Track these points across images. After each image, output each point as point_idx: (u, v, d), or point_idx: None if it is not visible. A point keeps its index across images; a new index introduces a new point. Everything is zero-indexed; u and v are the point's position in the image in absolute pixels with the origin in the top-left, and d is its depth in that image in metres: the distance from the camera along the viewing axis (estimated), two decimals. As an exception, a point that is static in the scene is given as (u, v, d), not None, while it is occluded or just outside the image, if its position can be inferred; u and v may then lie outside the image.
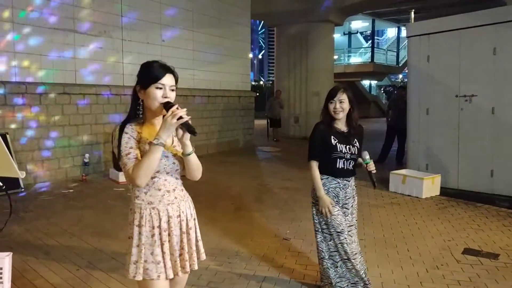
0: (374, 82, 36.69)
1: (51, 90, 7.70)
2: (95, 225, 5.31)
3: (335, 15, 15.91)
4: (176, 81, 2.13)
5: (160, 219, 2.10)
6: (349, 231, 3.23)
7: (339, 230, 3.19)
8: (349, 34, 32.57)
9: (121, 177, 7.51)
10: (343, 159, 3.20)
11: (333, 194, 3.23)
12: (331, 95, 3.20)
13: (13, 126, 7.18)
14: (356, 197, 3.40)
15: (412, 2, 17.85)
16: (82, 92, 8.19)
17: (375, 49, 30.49)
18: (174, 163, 2.14)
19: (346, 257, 3.20)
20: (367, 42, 33.50)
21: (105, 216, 5.74)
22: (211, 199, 6.65)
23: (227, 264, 4.14)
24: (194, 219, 2.28)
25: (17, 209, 5.82)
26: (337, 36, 18.39)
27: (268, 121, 15.31)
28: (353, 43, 32.90)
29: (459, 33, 6.86)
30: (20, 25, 7.28)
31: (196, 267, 2.23)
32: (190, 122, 1.95)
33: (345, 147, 3.20)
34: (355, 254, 3.21)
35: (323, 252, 3.28)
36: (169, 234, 2.12)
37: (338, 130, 3.24)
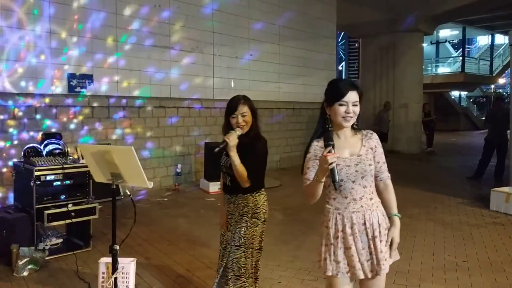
0: (464, 93, 34.63)
1: (148, 104, 8.20)
2: (190, 234, 5.52)
3: (424, 24, 15.30)
4: (361, 97, 2.27)
5: (344, 225, 2.27)
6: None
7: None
8: (437, 43, 31.09)
9: (212, 187, 7.76)
10: (222, 172, 2.99)
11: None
12: (232, 108, 2.86)
13: (114, 137, 7.73)
14: (243, 219, 2.89)
15: (510, 7, 16.65)
16: (176, 105, 8.62)
17: (465, 58, 28.80)
18: (357, 171, 2.25)
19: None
20: (456, 51, 31.78)
21: (198, 225, 5.94)
22: (301, 213, 6.62)
23: (322, 280, 4.08)
24: (385, 229, 2.32)
25: (118, 216, 6.18)
26: (424, 46, 17.57)
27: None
28: (441, 53, 31.36)
29: None
30: (122, 44, 7.85)
31: (384, 272, 2.28)
32: (336, 170, 2.09)
33: (225, 160, 2.92)
34: None
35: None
36: (353, 239, 2.25)
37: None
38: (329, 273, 2.29)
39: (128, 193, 2.46)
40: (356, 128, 2.37)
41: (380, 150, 2.38)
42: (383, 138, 13.95)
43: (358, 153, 2.28)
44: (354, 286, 2.38)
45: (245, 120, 2.84)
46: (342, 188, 2.25)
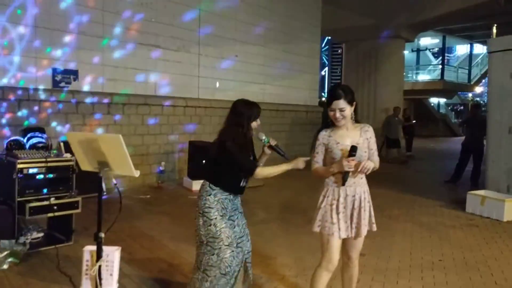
0: (443, 100, 35.31)
1: (133, 101, 8.17)
2: (172, 230, 5.53)
3: (406, 31, 15.62)
4: (349, 102, 2.85)
5: (339, 195, 2.91)
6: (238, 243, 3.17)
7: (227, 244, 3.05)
8: (418, 50, 31.68)
9: (194, 186, 7.77)
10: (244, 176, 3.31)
11: (222, 206, 3.11)
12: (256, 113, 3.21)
13: (98, 133, 7.69)
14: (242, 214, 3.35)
15: (490, 17, 17.09)
16: (160, 103, 8.62)
17: (445, 66, 29.40)
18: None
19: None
20: (436, 59, 32.42)
21: (180, 222, 5.96)
22: (282, 211, 6.70)
23: (302, 276, 4.16)
24: (368, 202, 3.01)
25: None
26: (405, 53, 17.93)
27: (385, 141, 13.66)
28: (422, 60, 31.95)
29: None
30: (108, 41, 7.82)
31: (363, 234, 2.96)
32: (349, 175, 2.84)
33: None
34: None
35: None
36: (344, 207, 2.91)
37: None
38: (325, 231, 2.91)
39: (114, 181, 2.47)
40: (356, 121, 3.00)
41: (373, 140, 3.01)
42: (391, 144, 13.42)
43: (357, 142, 2.89)
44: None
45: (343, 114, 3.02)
46: (346, 184, 2.86)
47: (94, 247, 2.56)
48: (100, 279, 2.43)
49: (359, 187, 2.95)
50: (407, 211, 7.06)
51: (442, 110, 35.13)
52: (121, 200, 2.52)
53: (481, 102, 28.15)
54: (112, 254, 2.60)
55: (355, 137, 2.93)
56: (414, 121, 16.83)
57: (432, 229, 5.99)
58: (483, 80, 30.78)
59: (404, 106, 16.56)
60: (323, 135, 2.99)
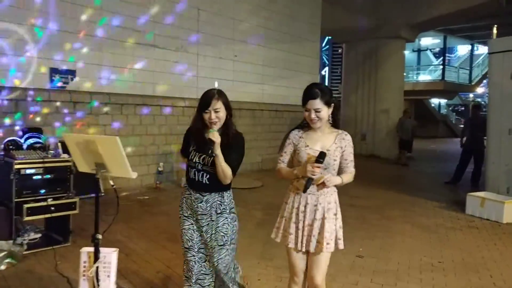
0: (443, 101, 35.31)
1: (131, 101, 8.15)
2: (170, 231, 5.50)
3: (406, 31, 15.59)
4: (326, 103, 2.62)
5: (299, 203, 2.69)
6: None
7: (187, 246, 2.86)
8: (419, 51, 31.67)
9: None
10: (194, 169, 2.76)
11: (186, 205, 2.87)
12: (206, 104, 2.71)
13: (95, 132, 7.66)
14: (223, 216, 2.80)
15: (490, 18, 17.06)
16: (159, 103, 8.60)
17: (446, 66, 29.39)
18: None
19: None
20: (437, 59, 32.42)
21: (178, 223, 5.92)
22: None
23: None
24: (334, 214, 2.70)
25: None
26: (406, 53, 17.90)
27: (399, 142, 13.79)
28: (423, 61, 31.94)
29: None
30: (107, 40, 7.80)
31: (323, 251, 2.64)
32: (311, 182, 2.58)
33: (199, 157, 2.76)
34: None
35: None
36: (304, 216, 2.67)
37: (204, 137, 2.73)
38: (278, 240, 2.78)
39: (112, 183, 2.46)
40: (333, 127, 2.76)
41: (349, 150, 2.74)
42: (404, 146, 13.53)
43: (327, 148, 2.66)
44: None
45: (218, 116, 2.70)
46: (308, 191, 2.63)
47: (91, 249, 2.55)
48: (97, 280, 2.42)
49: (323, 196, 2.67)
50: (407, 212, 7.04)
51: (442, 111, 35.13)
52: (118, 202, 2.50)
53: (482, 102, 28.15)
54: (110, 256, 2.60)
55: (327, 143, 2.69)
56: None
57: (431, 231, 5.97)
58: (484, 81, 30.76)
59: (404, 106, 16.56)
60: (294, 134, 2.78)
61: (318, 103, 2.60)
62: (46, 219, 4.79)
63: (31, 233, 4.67)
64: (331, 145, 2.68)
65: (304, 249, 2.68)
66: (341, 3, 14.43)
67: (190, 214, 2.85)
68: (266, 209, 6.81)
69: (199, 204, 2.76)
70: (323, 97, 2.60)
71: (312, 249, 2.65)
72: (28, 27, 6.78)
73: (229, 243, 2.78)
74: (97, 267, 2.38)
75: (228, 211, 2.80)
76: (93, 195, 7.05)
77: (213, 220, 2.77)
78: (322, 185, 2.60)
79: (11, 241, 4.26)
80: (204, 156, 2.71)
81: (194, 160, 2.76)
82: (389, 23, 15.04)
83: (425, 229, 6.05)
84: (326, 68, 28.07)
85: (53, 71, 7.13)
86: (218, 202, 2.76)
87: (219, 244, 2.76)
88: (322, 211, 2.65)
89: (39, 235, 4.74)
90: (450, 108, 37.95)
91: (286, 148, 2.80)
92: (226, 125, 2.77)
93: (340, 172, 2.75)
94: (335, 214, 2.71)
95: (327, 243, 2.63)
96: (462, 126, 27.55)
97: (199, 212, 2.77)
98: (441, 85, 27.57)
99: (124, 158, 2.24)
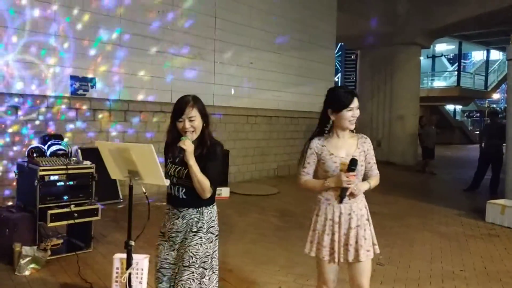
0: (459, 107, 34.97)
1: (150, 108, 8.24)
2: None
3: (422, 38, 15.51)
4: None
5: (333, 214, 2.60)
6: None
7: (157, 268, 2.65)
8: (433, 57, 31.45)
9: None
10: (171, 183, 2.57)
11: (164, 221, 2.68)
12: (179, 111, 2.49)
13: (115, 139, 7.75)
14: (197, 235, 2.53)
15: (507, 24, 16.89)
16: (176, 111, 8.66)
17: (461, 72, 29.13)
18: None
19: None
20: (451, 65, 32.16)
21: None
22: (299, 220, 6.67)
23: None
24: (367, 219, 2.65)
25: (118, 219, 6.24)
26: (421, 59, 17.86)
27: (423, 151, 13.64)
28: (437, 67, 31.71)
29: None
30: (125, 48, 7.91)
31: (363, 258, 2.58)
32: (347, 193, 2.53)
33: (174, 169, 2.56)
34: None
35: None
36: (339, 227, 2.58)
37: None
38: (313, 254, 2.67)
39: (144, 190, 2.50)
40: (353, 131, 2.71)
41: (371, 152, 2.71)
42: (429, 155, 13.48)
43: (352, 154, 2.59)
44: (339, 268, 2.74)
45: (193, 125, 2.47)
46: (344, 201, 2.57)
47: (123, 255, 2.58)
48: (130, 286, 2.45)
49: (355, 203, 2.61)
50: (426, 220, 6.98)
51: (458, 117, 34.78)
52: (149, 208, 2.53)
53: (498, 109, 27.81)
54: (142, 262, 2.65)
55: (351, 149, 2.63)
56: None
57: (451, 239, 5.91)
58: (501, 87, 30.40)
59: (420, 113, 16.44)
60: (316, 143, 2.66)
61: (357, 102, 2.63)
62: (68, 225, 4.86)
63: (53, 239, 4.73)
64: (355, 150, 2.63)
65: (342, 260, 2.61)
66: (357, 10, 14.42)
67: (166, 230, 2.62)
68: (283, 216, 6.81)
69: (175, 221, 2.54)
70: (357, 96, 2.67)
71: (351, 258, 2.58)
72: (48, 35, 6.91)
73: (196, 265, 2.46)
74: (130, 274, 2.41)
75: (204, 231, 2.52)
76: (111, 201, 7.15)
77: (186, 239, 2.51)
78: (351, 195, 2.56)
79: (35, 247, 4.33)
80: (179, 168, 2.50)
81: (169, 173, 2.55)
82: (405, 29, 14.98)
83: (445, 237, 6.00)
84: (339, 75, 28.04)
85: (73, 79, 7.24)
86: (196, 219, 2.51)
87: (184, 265, 2.46)
88: (356, 219, 2.60)
89: (61, 241, 4.80)
90: (466, 115, 37.57)
91: (309, 159, 2.68)
92: (203, 134, 2.54)
93: (364, 176, 2.69)
94: (368, 220, 2.67)
95: (367, 250, 2.60)
96: (477, 132, 27.35)
97: (174, 229, 2.55)
98: (457, 91, 27.30)
99: (158, 166, 2.28)
